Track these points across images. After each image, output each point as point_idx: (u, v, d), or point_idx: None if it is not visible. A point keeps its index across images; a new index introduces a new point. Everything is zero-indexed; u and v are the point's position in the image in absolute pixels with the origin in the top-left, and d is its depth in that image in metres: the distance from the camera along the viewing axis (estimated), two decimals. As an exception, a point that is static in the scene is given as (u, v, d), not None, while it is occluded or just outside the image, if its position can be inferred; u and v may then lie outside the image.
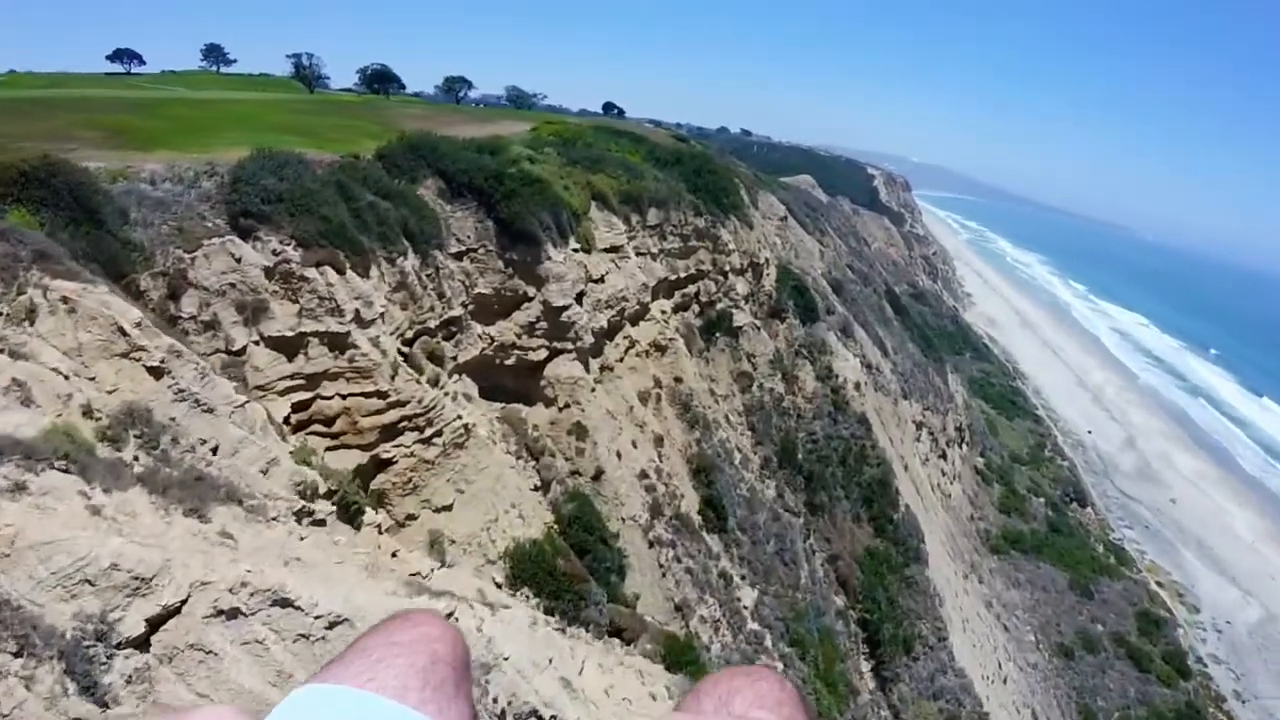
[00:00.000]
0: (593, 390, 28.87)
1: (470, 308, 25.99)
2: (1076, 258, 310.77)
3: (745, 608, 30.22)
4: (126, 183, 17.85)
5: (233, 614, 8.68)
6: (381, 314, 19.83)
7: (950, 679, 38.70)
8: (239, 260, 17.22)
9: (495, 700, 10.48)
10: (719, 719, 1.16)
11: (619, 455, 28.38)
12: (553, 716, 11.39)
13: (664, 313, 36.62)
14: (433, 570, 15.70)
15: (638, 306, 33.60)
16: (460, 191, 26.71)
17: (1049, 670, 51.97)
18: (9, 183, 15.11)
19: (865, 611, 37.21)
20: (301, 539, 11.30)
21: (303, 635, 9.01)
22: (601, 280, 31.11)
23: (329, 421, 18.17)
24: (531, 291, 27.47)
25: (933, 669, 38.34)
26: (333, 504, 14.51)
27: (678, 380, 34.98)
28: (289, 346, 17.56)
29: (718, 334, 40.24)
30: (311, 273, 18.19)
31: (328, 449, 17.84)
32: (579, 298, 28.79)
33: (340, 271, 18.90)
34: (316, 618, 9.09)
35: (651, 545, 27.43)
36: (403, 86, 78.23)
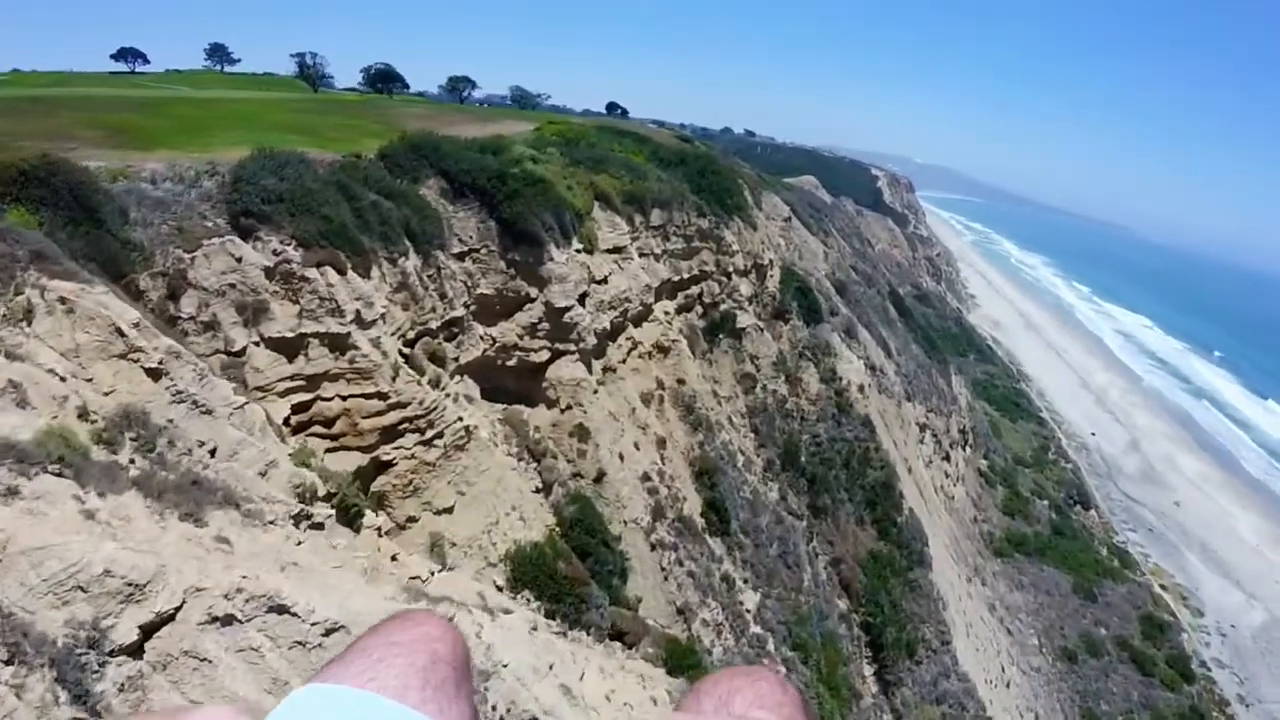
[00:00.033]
0: (595, 392, 28.73)
1: (472, 308, 25.86)
2: (1080, 259, 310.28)
3: (748, 611, 30.07)
4: (127, 182, 17.75)
5: (228, 621, 8.55)
6: (382, 315, 19.71)
7: (953, 683, 38.50)
8: (239, 260, 17.10)
9: (494, 708, 10.34)
10: (719, 719, 1.16)
11: (621, 457, 28.24)
12: (553, 724, 11.26)
13: (667, 314, 36.48)
14: (432, 574, 15.57)
15: (640, 308, 33.45)
16: (463, 191, 26.59)
17: (1052, 674, 51.71)
18: (8, 182, 15.01)
19: (868, 615, 37.03)
20: (299, 543, 11.17)
21: (299, 642, 8.87)
22: (604, 281, 30.98)
23: (329, 423, 18.05)
24: (534, 292, 27.34)
25: (936, 673, 38.15)
26: (332, 507, 14.39)
27: (680, 382, 34.84)
28: (289, 347, 17.44)
29: (721, 335, 40.09)
30: (312, 273, 18.07)
31: (327, 451, 17.72)
32: (581, 299, 28.65)
33: (341, 272, 18.78)
34: (313, 624, 8.96)
35: (653, 548, 27.29)
36: (406, 86, 78.26)
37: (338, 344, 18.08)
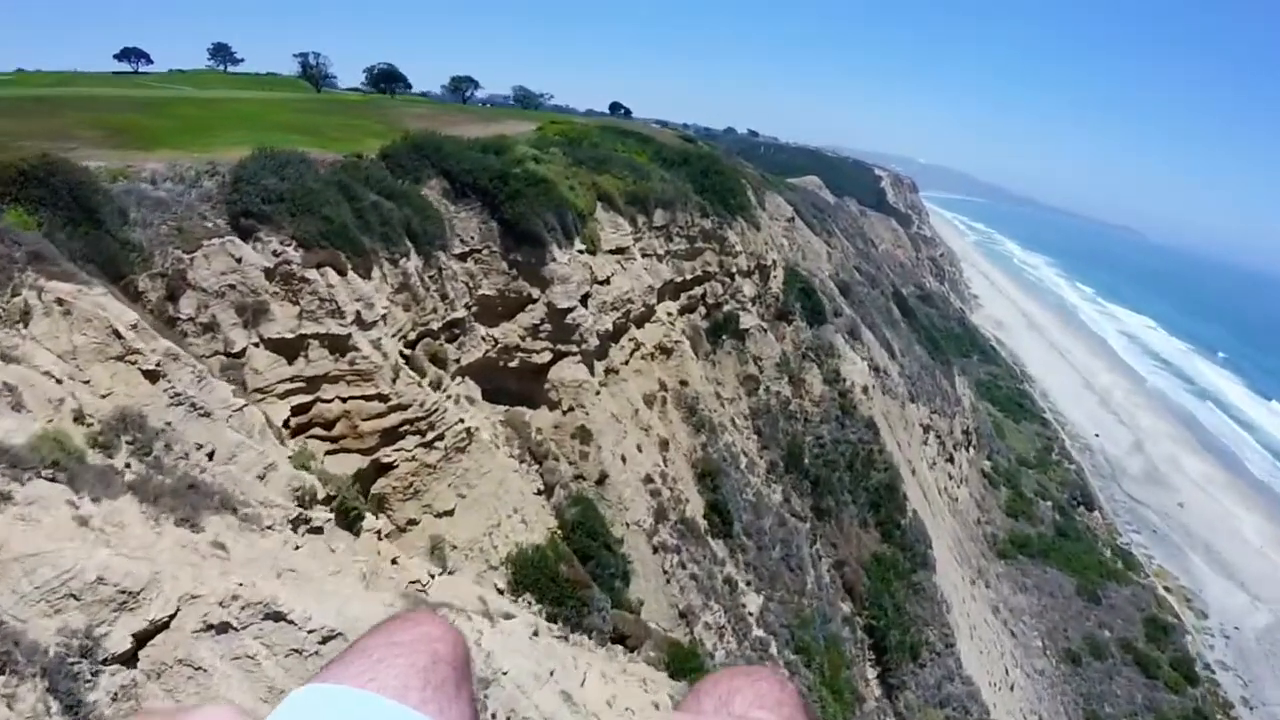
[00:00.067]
0: (597, 393, 28.60)
1: (474, 309, 25.74)
2: (1083, 259, 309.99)
3: (750, 614, 29.93)
4: (127, 182, 17.63)
5: (223, 628, 8.42)
6: (383, 316, 19.58)
7: (957, 686, 38.33)
8: (239, 261, 16.98)
9: (494, 716, 10.21)
10: (719, 719, 1.15)
11: (623, 459, 28.10)
12: (553, 731, 11.13)
13: (670, 315, 36.34)
14: (433, 578, 15.46)
15: (643, 308, 33.32)
16: (464, 192, 26.46)
17: (1056, 677, 51.52)
18: (7, 182, 14.91)
19: (872, 618, 36.87)
20: (297, 548, 11.05)
21: (295, 650, 8.75)
22: (607, 282, 30.85)
23: (329, 425, 17.93)
24: (536, 293, 27.21)
25: (939, 676, 37.98)
26: (331, 510, 14.26)
27: (683, 383, 34.70)
28: (289, 349, 17.33)
29: (724, 336, 39.95)
30: (312, 274, 17.95)
31: (327, 453, 17.60)
32: (584, 300, 28.52)
33: (341, 273, 18.66)
34: (309, 632, 8.83)
35: (656, 551, 27.14)
36: (409, 86, 78.20)
37: (338, 345, 17.96)
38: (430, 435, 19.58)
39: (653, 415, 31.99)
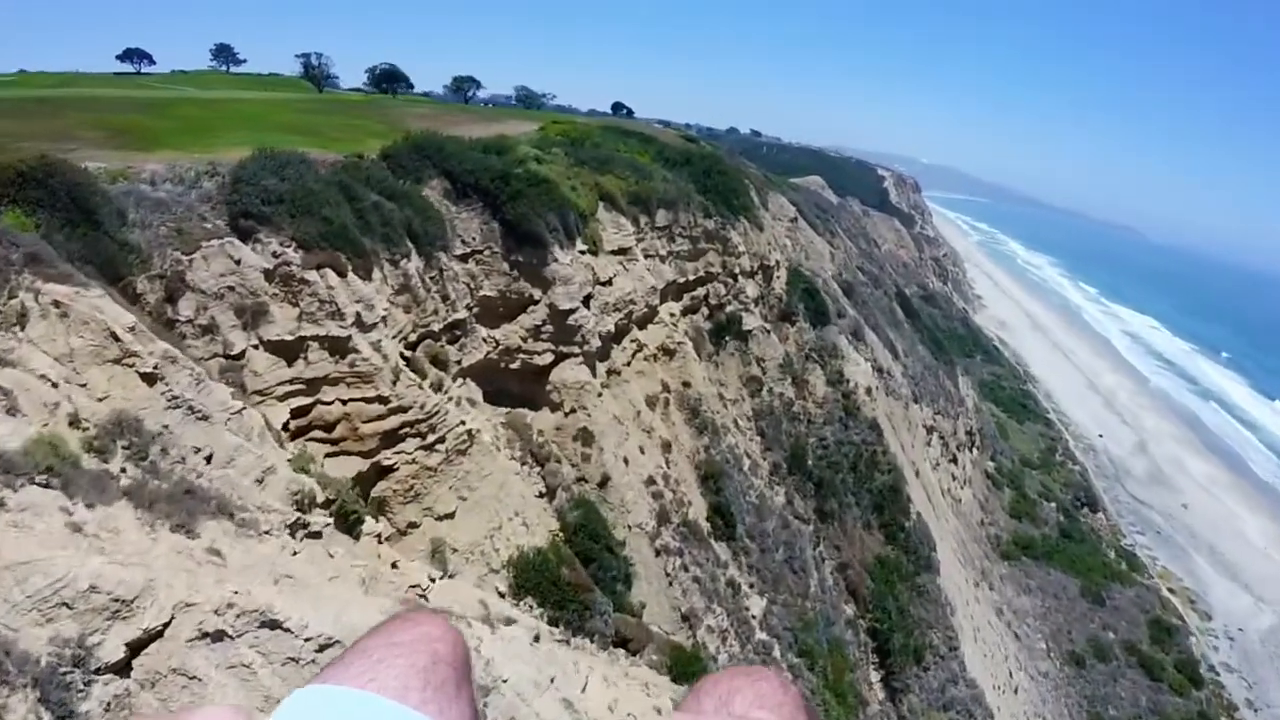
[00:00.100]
0: (599, 395, 28.46)
1: (475, 311, 25.60)
2: (1086, 259, 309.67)
3: (753, 617, 29.77)
4: (126, 183, 17.51)
5: (218, 637, 8.30)
6: (384, 317, 19.46)
7: (961, 689, 38.16)
8: (238, 262, 16.86)
9: (494, 725, 10.09)
10: (719, 719, 1.14)
11: (626, 461, 27.96)
12: (554, 739, 10.99)
13: (672, 316, 36.20)
14: (433, 582, 15.34)
15: (646, 309, 33.18)
16: (466, 192, 26.32)
17: (1060, 679, 51.34)
18: (5, 183, 14.80)
19: (875, 621, 36.71)
20: (295, 554, 10.92)
21: (292, 659, 8.62)
22: (609, 283, 30.71)
23: (329, 427, 17.80)
24: (537, 294, 27.08)
25: (943, 679, 37.82)
26: (330, 513, 14.15)
27: (686, 385, 34.55)
28: (289, 351, 17.20)
29: (727, 337, 39.78)
30: (312, 275, 17.82)
31: (327, 455, 17.48)
32: (586, 300, 28.38)
33: (341, 274, 18.53)
34: (306, 640, 8.70)
35: (658, 553, 26.99)
36: (411, 86, 78.10)
37: (338, 347, 17.84)
38: (431, 437, 19.45)
39: (655, 417, 31.85)
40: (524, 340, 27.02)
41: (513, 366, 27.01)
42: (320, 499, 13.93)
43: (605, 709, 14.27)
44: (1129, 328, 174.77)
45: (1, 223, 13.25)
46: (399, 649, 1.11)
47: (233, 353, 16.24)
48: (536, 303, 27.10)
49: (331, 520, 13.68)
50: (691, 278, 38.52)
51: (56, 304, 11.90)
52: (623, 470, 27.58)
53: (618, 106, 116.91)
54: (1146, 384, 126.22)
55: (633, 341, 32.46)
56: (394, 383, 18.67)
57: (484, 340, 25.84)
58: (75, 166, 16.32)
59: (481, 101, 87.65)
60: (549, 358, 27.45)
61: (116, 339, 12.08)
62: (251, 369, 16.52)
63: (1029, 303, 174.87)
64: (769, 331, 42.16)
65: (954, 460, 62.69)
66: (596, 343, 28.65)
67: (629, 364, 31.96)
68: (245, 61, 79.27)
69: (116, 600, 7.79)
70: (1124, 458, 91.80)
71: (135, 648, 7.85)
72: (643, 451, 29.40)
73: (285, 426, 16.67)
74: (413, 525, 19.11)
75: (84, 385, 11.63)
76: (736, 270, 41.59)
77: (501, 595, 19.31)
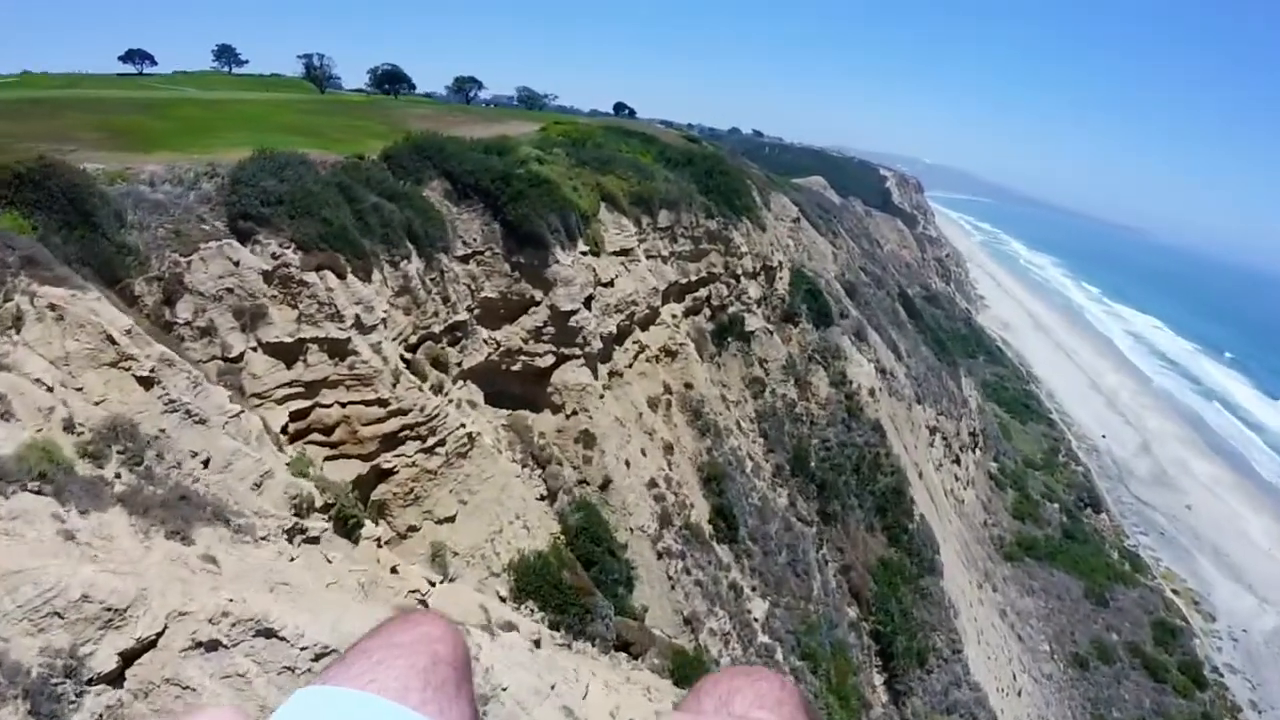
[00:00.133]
0: (601, 397, 28.33)
1: (476, 312, 25.47)
2: (1089, 259, 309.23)
3: (756, 620, 29.62)
4: (125, 184, 17.41)
5: (212, 646, 8.17)
6: (383, 319, 19.34)
7: (965, 692, 37.97)
8: (237, 264, 16.75)
9: (494, 734, 9.95)
10: (719, 719, 1.13)
11: (627, 464, 27.83)
12: (555, 747, 10.86)
13: (674, 317, 36.06)
14: (433, 586, 15.21)
15: (647, 310, 33.04)
16: (466, 193, 26.21)
17: (1063, 681, 51.12)
18: (2, 185, 14.72)
19: (878, 624, 36.53)
20: (292, 559, 10.80)
21: (287, 668, 8.49)
22: (611, 284, 30.58)
23: (328, 430, 17.69)
24: (539, 295, 26.96)
25: (947, 682, 37.64)
26: (329, 518, 14.03)
27: (688, 386, 34.40)
28: (287, 353, 17.09)
29: (729, 339, 39.63)
30: (311, 277, 17.70)
31: (326, 459, 17.36)
32: (587, 302, 28.25)
33: (341, 275, 18.41)
34: (302, 649, 8.58)
35: (660, 556, 26.86)
36: (413, 87, 78.01)
37: (337, 349, 17.72)
38: (431, 440, 19.33)
39: (657, 419, 31.72)
40: (525, 342, 26.90)
41: (514, 368, 26.89)
42: (319, 503, 13.81)
43: (607, 715, 14.14)
44: (1132, 327, 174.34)
45: (-2, 225, 13.16)
46: (399, 650, 1.11)
47: (231, 355, 16.13)
48: (538, 304, 26.98)
49: (330, 525, 13.55)
50: (694, 279, 38.38)
51: (52, 307, 11.79)
52: (624, 472, 27.45)
53: (620, 107, 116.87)
54: (1150, 384, 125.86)
55: (635, 343, 32.33)
56: (394, 385, 18.55)
57: (485, 342, 25.71)
58: (73, 168, 16.21)
59: (483, 102, 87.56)
60: (550, 359, 27.33)
61: (113, 342, 11.97)
62: (250, 372, 16.41)
63: (1032, 303, 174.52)
64: (771, 332, 41.99)
65: (957, 461, 62.51)
66: (598, 344, 28.53)
67: (631, 365, 31.83)
68: (247, 62, 79.25)
69: (109, 609, 7.67)
70: (1127, 458, 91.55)
71: (128, 658, 7.72)
72: (644, 454, 29.27)
73: (284, 430, 16.56)
74: (413, 529, 18.99)
75: (80, 389, 11.52)
76: (739, 271, 41.45)
77: (502, 599, 19.19)
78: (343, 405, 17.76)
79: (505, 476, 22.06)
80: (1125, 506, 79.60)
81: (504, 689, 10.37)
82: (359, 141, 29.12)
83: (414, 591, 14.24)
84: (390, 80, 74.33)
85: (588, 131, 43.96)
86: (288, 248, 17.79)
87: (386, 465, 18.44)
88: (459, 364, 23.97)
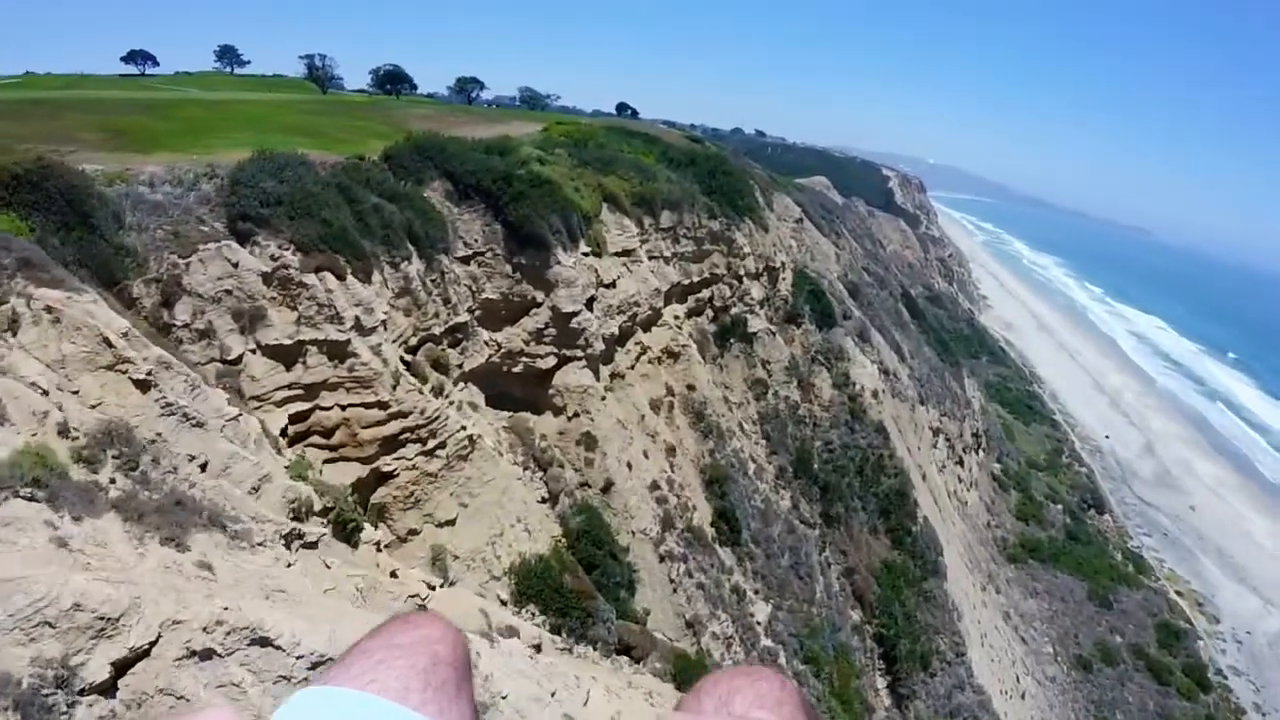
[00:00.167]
0: (603, 399, 28.19)
1: (477, 314, 25.35)
2: (1092, 260, 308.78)
3: (758, 623, 29.47)
4: (124, 185, 17.30)
5: (207, 655, 8.03)
6: (383, 321, 19.21)
7: (968, 695, 37.79)
8: (235, 266, 16.63)
9: (493, 743, 9.82)
10: (719, 719, 1.13)
11: (629, 466, 27.70)
12: (555, 756, 10.72)
13: (677, 318, 35.92)
14: (432, 590, 15.08)
15: (650, 312, 32.90)
16: (468, 194, 26.09)
17: (1067, 683, 50.93)
18: (0, 186, 14.59)
19: (882, 626, 36.36)
20: (289, 565, 10.66)
21: (283, 677, 8.36)
22: (612, 285, 30.44)
23: (328, 433, 17.57)
24: (540, 297, 26.83)
25: (950, 685, 37.46)
26: (327, 522, 13.90)
27: (690, 388, 34.25)
28: (287, 355, 16.97)
29: (732, 340, 39.48)
30: (311, 278, 17.58)
31: (326, 461, 17.24)
32: (589, 303, 28.12)
33: (340, 277, 18.29)
34: (298, 658, 8.44)
35: (662, 559, 26.72)
36: (415, 87, 77.93)
37: (337, 351, 17.60)
38: (431, 443, 19.20)
39: (659, 421, 31.58)
40: (526, 343, 26.77)
41: (515, 370, 26.76)
42: (318, 507, 13.69)
43: (608, 721, 14.00)
44: (1135, 328, 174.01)
45: (-5, 226, 13.05)
46: (399, 650, 1.11)
47: (230, 357, 16.02)
48: (539, 305, 26.86)
49: (329, 529, 13.43)
50: (696, 279, 38.23)
51: (49, 309, 11.67)
52: (626, 475, 27.31)
53: (622, 107, 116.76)
54: (1153, 385, 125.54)
55: (636, 344, 32.20)
56: (394, 387, 18.43)
57: (486, 344, 25.59)
58: (71, 169, 16.11)
59: (485, 102, 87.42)
60: (552, 361, 27.20)
61: (109, 345, 11.85)
62: (249, 374, 16.30)
63: (1035, 303, 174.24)
64: (774, 334, 41.83)
65: (960, 462, 62.29)
66: (600, 346, 28.40)
67: (633, 367, 31.70)
68: (249, 63, 79.24)
69: (101, 618, 7.54)
70: (1131, 459, 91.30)
71: (121, 667, 7.59)
72: (646, 456, 29.13)
73: (283, 433, 16.44)
74: (413, 532, 18.86)
75: (76, 392, 11.40)
76: (741, 272, 41.30)
77: (503, 603, 19.07)
78: (342, 408, 17.64)
79: (506, 479, 21.93)
80: (1129, 508, 79.38)
81: (503, 697, 10.23)
82: (361, 142, 29.02)
83: (413, 596, 14.11)
84: (392, 81, 74.25)
85: (590, 132, 43.82)
86: (287, 249, 17.67)
87: (387, 468, 18.32)
88: (460, 366, 23.86)
